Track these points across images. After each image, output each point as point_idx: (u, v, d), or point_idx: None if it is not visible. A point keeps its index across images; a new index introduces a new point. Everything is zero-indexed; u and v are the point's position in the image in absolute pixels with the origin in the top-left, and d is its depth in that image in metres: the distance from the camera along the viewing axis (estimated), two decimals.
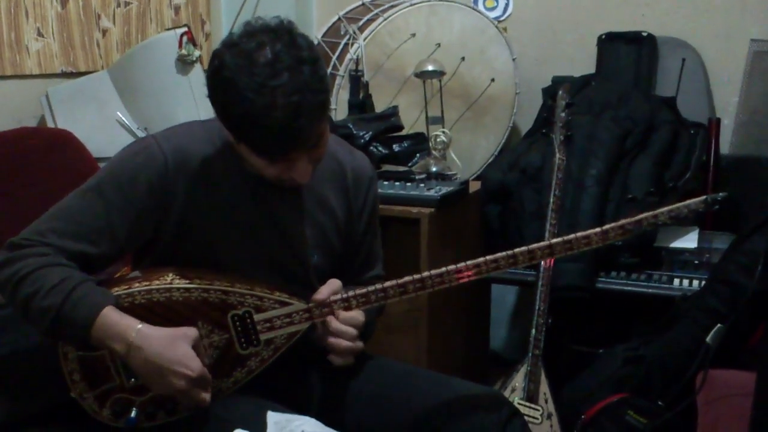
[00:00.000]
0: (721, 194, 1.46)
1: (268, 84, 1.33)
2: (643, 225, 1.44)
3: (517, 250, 1.45)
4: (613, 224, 1.44)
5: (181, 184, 1.51)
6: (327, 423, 1.47)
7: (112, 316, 1.42)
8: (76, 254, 1.47)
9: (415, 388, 1.61)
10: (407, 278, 1.50)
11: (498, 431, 1.54)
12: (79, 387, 1.51)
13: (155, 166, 1.49)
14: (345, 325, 1.51)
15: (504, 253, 1.47)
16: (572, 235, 1.45)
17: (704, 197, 1.44)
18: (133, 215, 1.49)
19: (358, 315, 1.53)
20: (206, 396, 1.47)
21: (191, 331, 1.47)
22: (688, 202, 1.44)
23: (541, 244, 1.47)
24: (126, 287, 1.48)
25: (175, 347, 1.43)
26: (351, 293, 1.52)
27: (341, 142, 1.74)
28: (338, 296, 1.52)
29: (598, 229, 1.44)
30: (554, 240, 1.46)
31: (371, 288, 1.51)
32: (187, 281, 1.49)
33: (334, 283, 1.53)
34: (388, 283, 1.51)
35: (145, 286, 1.49)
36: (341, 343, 1.51)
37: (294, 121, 1.35)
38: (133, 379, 1.50)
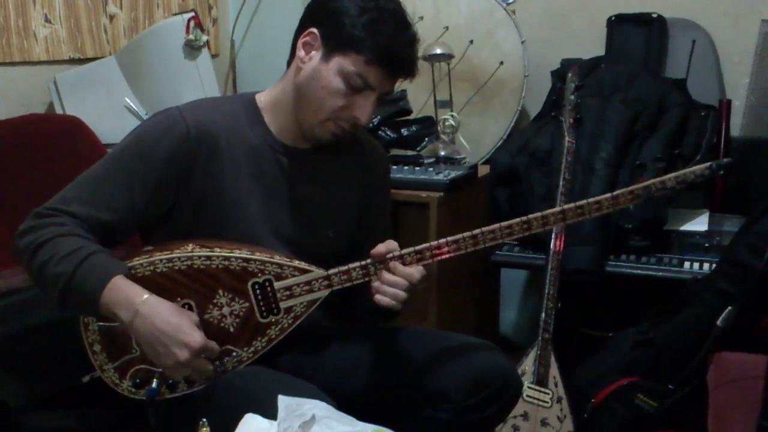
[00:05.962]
0: (725, 160, 1.51)
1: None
2: (651, 190, 1.48)
3: (530, 216, 1.50)
4: (622, 189, 1.48)
5: (202, 153, 1.54)
6: (337, 394, 1.49)
7: (121, 284, 1.44)
8: (96, 222, 1.50)
9: (414, 344, 1.66)
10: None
11: (500, 381, 1.58)
12: (99, 359, 1.53)
13: (176, 135, 1.53)
14: (399, 278, 1.51)
15: (518, 219, 1.50)
16: (583, 201, 1.48)
17: (709, 163, 1.48)
18: (153, 183, 1.53)
19: (414, 271, 1.52)
20: (209, 367, 1.48)
21: (192, 314, 1.49)
22: (694, 168, 1.48)
23: (554, 210, 1.51)
24: (147, 256, 1.50)
25: (180, 318, 1.45)
26: (405, 250, 1.52)
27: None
28: (394, 253, 1.52)
29: (608, 195, 1.48)
30: (566, 206, 1.50)
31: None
32: (208, 250, 1.51)
33: (390, 243, 1.54)
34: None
35: (166, 254, 1.50)
36: (389, 290, 1.51)
37: (414, 41, 1.58)
38: None
